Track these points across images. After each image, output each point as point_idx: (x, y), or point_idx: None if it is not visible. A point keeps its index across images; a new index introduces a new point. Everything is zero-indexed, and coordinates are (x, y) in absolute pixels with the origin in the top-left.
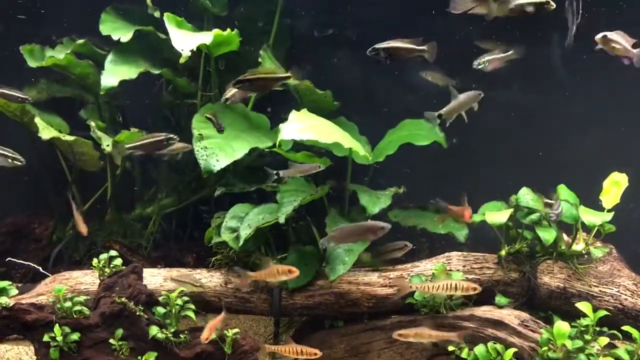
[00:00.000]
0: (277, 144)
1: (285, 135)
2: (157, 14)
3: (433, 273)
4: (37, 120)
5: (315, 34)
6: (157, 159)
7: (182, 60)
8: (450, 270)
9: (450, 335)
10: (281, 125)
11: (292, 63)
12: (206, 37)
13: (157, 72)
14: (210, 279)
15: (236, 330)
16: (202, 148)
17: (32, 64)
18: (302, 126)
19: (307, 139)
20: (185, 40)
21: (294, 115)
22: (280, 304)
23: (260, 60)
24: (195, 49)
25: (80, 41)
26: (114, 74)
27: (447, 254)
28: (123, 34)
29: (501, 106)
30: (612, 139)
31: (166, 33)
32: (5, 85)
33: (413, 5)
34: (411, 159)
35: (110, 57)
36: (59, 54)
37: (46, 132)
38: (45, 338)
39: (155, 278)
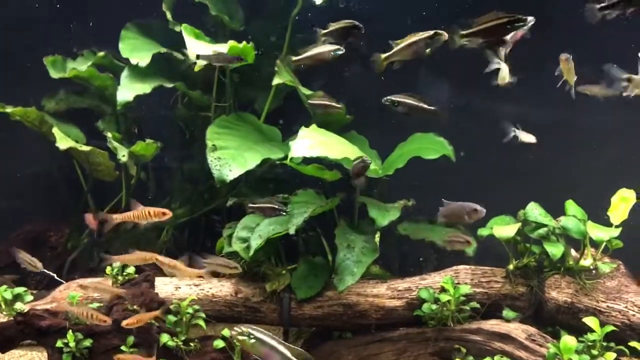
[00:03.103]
0: (289, 159)
1: (296, 152)
2: (178, 29)
3: (442, 286)
4: (55, 130)
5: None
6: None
7: (196, 69)
8: (458, 283)
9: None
10: (291, 143)
11: (305, 76)
12: (221, 49)
13: (170, 85)
14: (220, 289)
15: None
16: (215, 158)
17: (54, 75)
18: (311, 143)
19: (317, 155)
20: (201, 50)
21: (303, 131)
22: (289, 314)
23: (276, 69)
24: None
25: (101, 53)
26: (130, 89)
27: (455, 267)
28: (141, 57)
29: (511, 121)
30: (621, 155)
31: (184, 53)
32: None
33: (423, 20)
34: (421, 172)
35: (125, 72)
36: (80, 66)
37: (63, 142)
38: (59, 344)
39: (167, 286)
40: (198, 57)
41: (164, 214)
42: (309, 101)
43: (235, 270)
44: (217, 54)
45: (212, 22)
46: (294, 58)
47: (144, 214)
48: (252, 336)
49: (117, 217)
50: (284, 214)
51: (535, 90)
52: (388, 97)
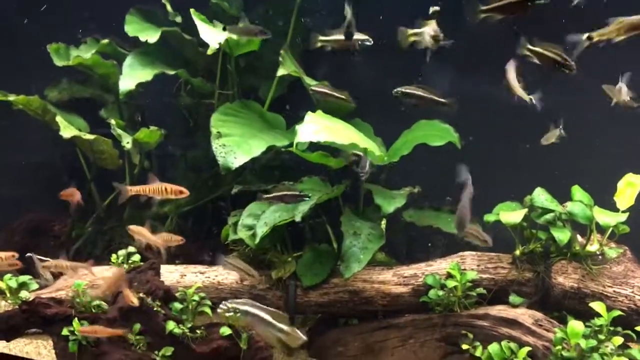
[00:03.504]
0: (295, 145)
1: (302, 137)
2: (178, 20)
3: (448, 272)
4: (59, 119)
5: None
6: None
7: (209, 52)
8: (465, 269)
9: None
10: (297, 127)
11: (309, 64)
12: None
13: (172, 72)
14: (226, 276)
15: None
16: (220, 146)
17: (58, 62)
18: (317, 128)
19: (323, 141)
20: (213, 34)
21: (309, 117)
22: (295, 301)
23: (281, 59)
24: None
25: (105, 41)
26: (131, 77)
27: (461, 253)
28: (150, 35)
29: (516, 107)
30: (627, 140)
31: (190, 34)
32: None
33: (426, 6)
34: (427, 159)
35: (127, 61)
36: (85, 54)
37: (67, 130)
38: (64, 332)
39: (172, 274)
40: (225, 29)
41: (181, 192)
42: (312, 87)
43: (253, 279)
44: (245, 27)
45: (211, 9)
46: (322, 38)
47: (160, 189)
48: (237, 310)
49: (133, 189)
50: (307, 198)
51: (539, 75)
52: (398, 89)
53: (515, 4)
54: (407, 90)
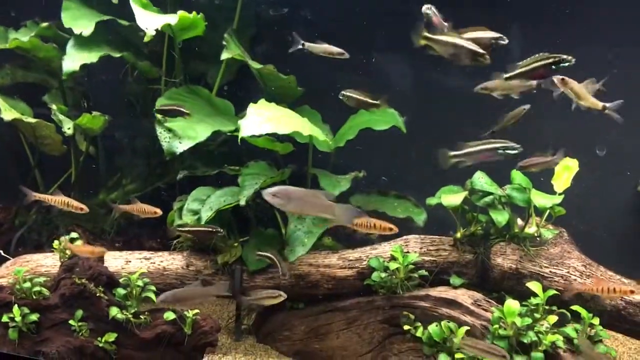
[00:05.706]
0: (239, 139)
1: (245, 132)
2: (115, 1)
3: (391, 254)
4: (0, 102)
5: (270, 12)
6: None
7: (146, 39)
8: (408, 252)
9: None
10: (240, 122)
11: (257, 49)
12: (171, 18)
13: (118, 55)
14: (171, 262)
15: (196, 311)
16: (164, 130)
17: None
18: (260, 119)
19: (266, 132)
20: (150, 19)
21: (252, 108)
22: (241, 286)
23: (225, 43)
24: (160, 30)
25: (44, 24)
26: (76, 58)
27: (405, 236)
28: (84, 26)
29: (459, 92)
30: (564, 126)
31: (128, 19)
32: None
33: None
34: (374, 145)
35: (71, 42)
36: (23, 37)
37: (8, 113)
38: (4, 319)
39: (117, 261)
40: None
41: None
42: None
43: (280, 297)
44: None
45: None
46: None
47: None
48: None
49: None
50: (220, 233)
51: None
52: (344, 93)
53: None
54: (349, 94)
